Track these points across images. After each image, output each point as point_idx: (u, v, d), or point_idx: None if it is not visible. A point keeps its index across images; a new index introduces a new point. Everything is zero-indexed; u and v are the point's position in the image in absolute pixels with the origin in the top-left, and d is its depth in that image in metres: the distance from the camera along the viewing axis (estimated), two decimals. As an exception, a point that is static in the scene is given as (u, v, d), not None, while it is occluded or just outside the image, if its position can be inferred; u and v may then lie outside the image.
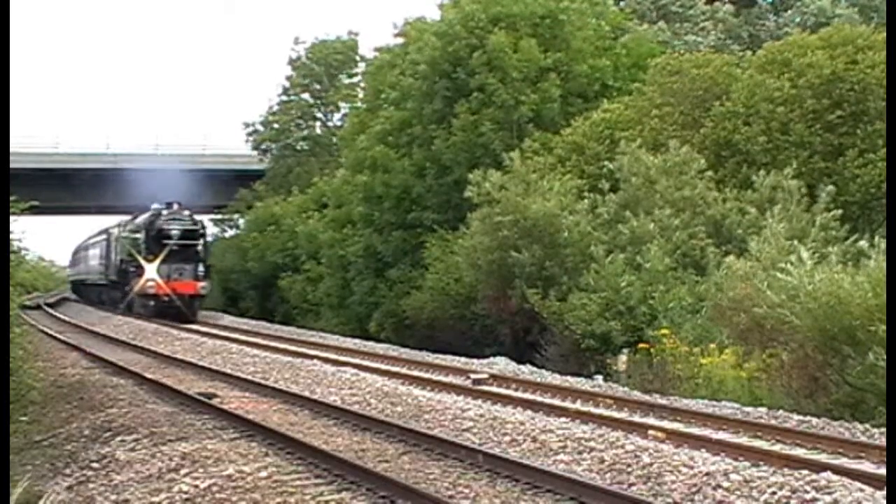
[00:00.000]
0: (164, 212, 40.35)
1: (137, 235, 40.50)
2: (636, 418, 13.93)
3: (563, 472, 10.08)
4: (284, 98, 53.36)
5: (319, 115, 53.88)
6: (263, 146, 53.63)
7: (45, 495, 10.22)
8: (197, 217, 42.23)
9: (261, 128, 53.33)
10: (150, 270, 38.60)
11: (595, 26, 32.82)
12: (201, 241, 40.90)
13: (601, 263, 21.84)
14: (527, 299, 23.43)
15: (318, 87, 52.64)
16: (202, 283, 39.51)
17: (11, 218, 14.73)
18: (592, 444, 11.42)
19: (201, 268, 39.75)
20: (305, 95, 53.33)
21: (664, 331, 19.01)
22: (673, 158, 23.46)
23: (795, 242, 18.18)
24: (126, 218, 44.41)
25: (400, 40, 40.11)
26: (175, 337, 29.69)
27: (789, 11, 38.87)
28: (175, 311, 38.04)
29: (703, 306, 19.55)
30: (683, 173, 23.28)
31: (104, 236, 49.80)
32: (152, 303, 38.71)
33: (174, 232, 39.37)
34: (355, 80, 53.00)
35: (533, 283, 23.81)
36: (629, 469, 10.32)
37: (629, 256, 21.80)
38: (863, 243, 18.75)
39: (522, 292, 23.79)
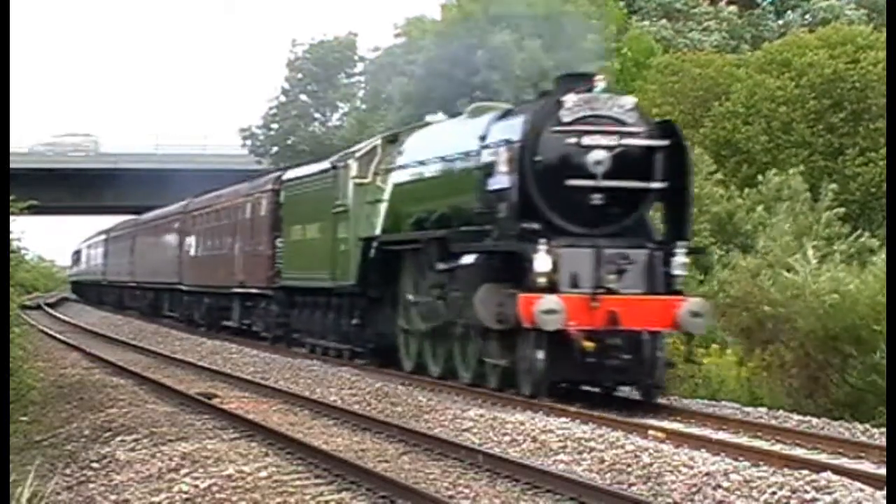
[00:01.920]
0: (571, 98, 14.56)
1: (480, 167, 15.51)
2: (636, 418, 13.90)
3: (563, 472, 10.07)
4: (283, 100, 53.35)
5: (318, 115, 53.81)
6: (262, 149, 53.64)
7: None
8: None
9: (258, 131, 53.30)
10: (543, 263, 14.10)
11: (599, 28, 32.75)
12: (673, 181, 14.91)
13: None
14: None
15: (315, 87, 52.58)
16: (692, 302, 14.45)
17: (11, 218, 14.74)
18: (592, 444, 11.39)
19: (682, 255, 14.69)
20: (303, 96, 53.28)
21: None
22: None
23: (803, 240, 18.15)
24: (374, 141, 20.58)
25: (400, 40, 40.02)
26: (175, 337, 29.67)
27: (790, 13, 38.83)
28: (617, 372, 14.43)
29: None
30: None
31: (251, 191, 27.94)
32: (539, 356, 14.06)
33: (601, 154, 14.43)
34: (354, 80, 52.96)
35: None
36: (629, 469, 10.29)
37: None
38: (873, 240, 18.75)
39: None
